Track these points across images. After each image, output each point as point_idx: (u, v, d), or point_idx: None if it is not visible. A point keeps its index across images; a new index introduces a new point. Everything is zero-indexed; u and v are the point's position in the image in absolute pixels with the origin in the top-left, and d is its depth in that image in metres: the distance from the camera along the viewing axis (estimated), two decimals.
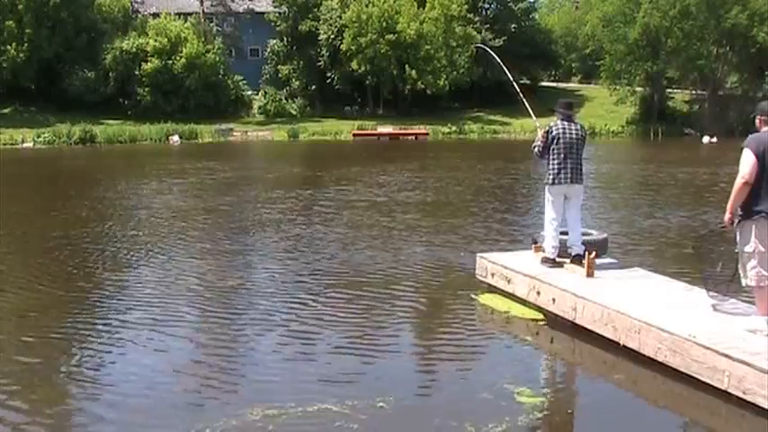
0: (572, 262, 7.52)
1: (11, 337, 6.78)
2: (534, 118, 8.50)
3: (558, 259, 7.62)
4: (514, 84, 9.60)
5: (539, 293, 7.13)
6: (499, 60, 9.91)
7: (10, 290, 8.38)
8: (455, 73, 47.99)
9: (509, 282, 7.35)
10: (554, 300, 6.92)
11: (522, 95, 8.91)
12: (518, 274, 7.39)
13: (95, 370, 5.93)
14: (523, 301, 7.32)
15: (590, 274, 7.20)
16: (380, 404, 5.04)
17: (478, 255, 8.37)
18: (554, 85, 62.64)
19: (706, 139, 39.81)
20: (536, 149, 7.70)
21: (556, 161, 7.50)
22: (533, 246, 8.17)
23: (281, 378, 5.70)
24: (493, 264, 7.92)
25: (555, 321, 6.87)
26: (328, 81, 49.99)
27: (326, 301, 7.78)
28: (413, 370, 6.02)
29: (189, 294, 8.18)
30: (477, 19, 52.88)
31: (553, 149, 7.51)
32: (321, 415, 4.91)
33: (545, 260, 7.66)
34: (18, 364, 5.97)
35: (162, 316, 7.30)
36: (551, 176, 7.53)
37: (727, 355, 5.19)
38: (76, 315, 7.38)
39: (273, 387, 5.51)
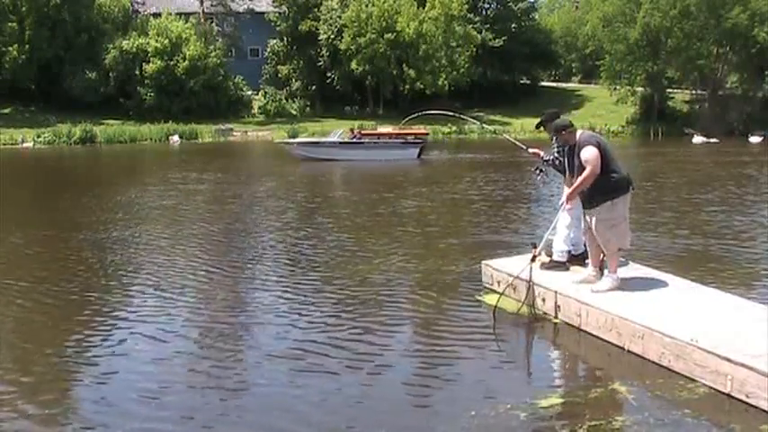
0: (574, 261, 7.68)
1: None
2: (524, 147, 8.78)
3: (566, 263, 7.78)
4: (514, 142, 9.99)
5: (544, 300, 7.19)
6: None
7: None
8: (455, 73, 48.01)
9: (514, 288, 7.40)
10: (559, 306, 6.98)
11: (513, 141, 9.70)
12: (522, 280, 7.44)
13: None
14: (529, 307, 7.36)
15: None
16: (472, 413, 5.11)
17: (483, 262, 8.37)
18: (554, 85, 62.75)
19: (701, 139, 39.48)
20: (557, 161, 7.81)
21: None
22: (533, 251, 8.20)
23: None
24: (497, 271, 7.96)
25: (561, 325, 6.93)
26: (328, 81, 50.04)
27: (335, 310, 7.72)
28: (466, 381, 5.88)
29: (192, 305, 8.13)
30: (477, 19, 53.00)
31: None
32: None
33: (555, 264, 7.75)
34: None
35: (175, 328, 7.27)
36: None
37: (728, 359, 5.24)
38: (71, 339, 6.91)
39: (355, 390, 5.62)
